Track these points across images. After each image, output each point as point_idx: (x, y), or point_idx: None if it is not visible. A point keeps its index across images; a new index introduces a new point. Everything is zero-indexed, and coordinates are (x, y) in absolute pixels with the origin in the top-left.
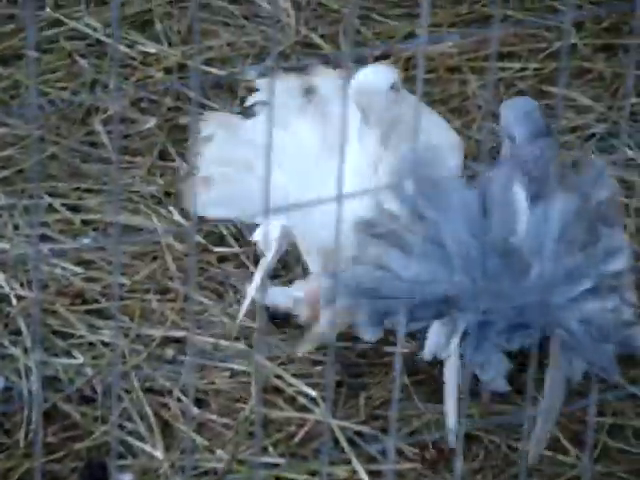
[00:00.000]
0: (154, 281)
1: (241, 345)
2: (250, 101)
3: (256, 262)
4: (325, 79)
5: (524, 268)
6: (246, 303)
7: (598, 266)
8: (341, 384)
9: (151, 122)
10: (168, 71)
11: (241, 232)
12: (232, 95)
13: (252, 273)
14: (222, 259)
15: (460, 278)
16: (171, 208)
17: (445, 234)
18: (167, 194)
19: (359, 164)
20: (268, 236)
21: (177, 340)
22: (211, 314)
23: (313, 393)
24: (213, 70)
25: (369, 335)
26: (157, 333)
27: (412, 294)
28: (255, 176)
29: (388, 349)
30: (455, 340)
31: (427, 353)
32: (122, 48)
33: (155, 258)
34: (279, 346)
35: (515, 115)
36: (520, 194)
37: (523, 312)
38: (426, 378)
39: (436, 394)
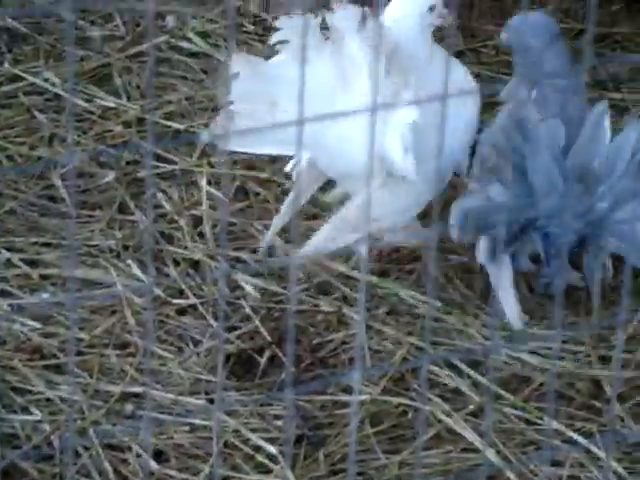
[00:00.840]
0: (113, 335)
1: (200, 400)
2: (273, 40)
3: (215, 313)
4: (341, 15)
5: (595, 189)
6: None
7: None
8: (301, 438)
9: (110, 176)
10: (127, 125)
11: (200, 285)
12: (191, 148)
13: (210, 326)
14: (181, 312)
15: (540, 202)
16: (129, 262)
17: (529, 163)
18: (126, 247)
19: (370, 98)
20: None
21: (136, 395)
22: (170, 368)
23: (273, 450)
24: (172, 124)
25: (485, 258)
26: (116, 388)
27: (503, 219)
28: (279, 111)
29: (346, 399)
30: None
31: (482, 256)
32: (81, 102)
33: (114, 312)
34: (239, 401)
35: (529, 26)
36: (602, 122)
37: (587, 227)
38: (388, 428)
39: (399, 444)
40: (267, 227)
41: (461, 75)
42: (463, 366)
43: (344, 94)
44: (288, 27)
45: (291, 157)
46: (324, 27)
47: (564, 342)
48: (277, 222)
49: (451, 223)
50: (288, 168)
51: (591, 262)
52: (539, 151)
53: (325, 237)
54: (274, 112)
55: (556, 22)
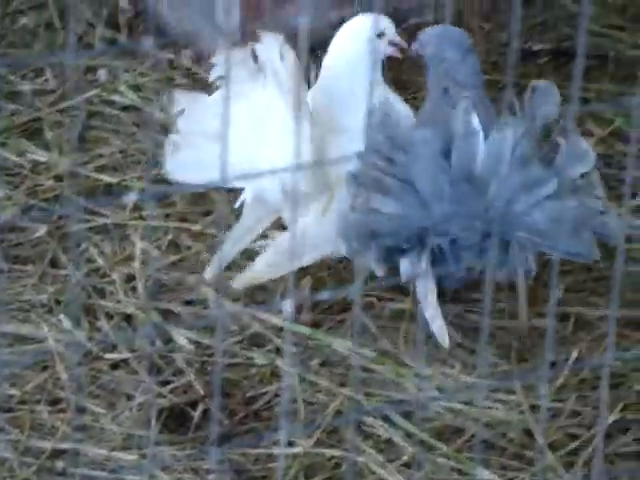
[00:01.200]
0: (44, 391)
1: (133, 456)
2: (211, 77)
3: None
4: (267, 45)
5: (485, 189)
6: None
7: (563, 171)
8: None
9: (41, 230)
10: (58, 179)
11: (132, 339)
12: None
13: (143, 381)
14: (114, 366)
15: (431, 208)
16: (61, 316)
17: (413, 172)
18: (57, 302)
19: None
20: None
21: (68, 452)
22: (103, 424)
23: None
24: (104, 177)
25: (379, 271)
26: (47, 445)
27: (393, 229)
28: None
29: (278, 452)
30: (425, 260)
31: (404, 276)
32: (12, 157)
33: (46, 368)
34: (172, 455)
35: (444, 38)
36: (475, 124)
37: (490, 225)
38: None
39: None
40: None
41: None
42: (396, 417)
43: (272, 125)
44: (224, 62)
45: (239, 190)
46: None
47: (495, 391)
48: (222, 256)
49: (338, 237)
50: (236, 204)
51: (513, 261)
52: (419, 159)
53: (262, 267)
54: (214, 145)
55: (468, 36)
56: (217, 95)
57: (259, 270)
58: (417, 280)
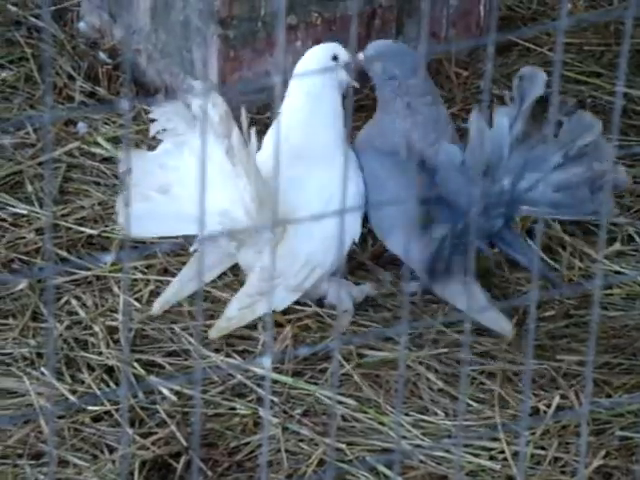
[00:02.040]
0: (27, 445)
1: None
2: (151, 132)
3: (131, 421)
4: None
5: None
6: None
7: (568, 145)
8: None
9: (23, 283)
10: (39, 232)
11: (115, 391)
12: (105, 252)
13: (127, 433)
14: (96, 419)
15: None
16: (43, 369)
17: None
18: (39, 355)
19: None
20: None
21: None
22: (86, 477)
23: None
24: (85, 229)
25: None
26: None
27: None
28: (171, 196)
29: None
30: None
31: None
32: None
33: (28, 421)
34: None
35: (389, 57)
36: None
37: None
38: None
39: None
40: (182, 329)
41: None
42: (379, 466)
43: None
44: (162, 115)
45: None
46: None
47: (478, 438)
48: (168, 294)
49: (419, 275)
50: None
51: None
52: (449, 176)
53: (234, 312)
54: (168, 197)
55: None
56: (159, 149)
57: (232, 316)
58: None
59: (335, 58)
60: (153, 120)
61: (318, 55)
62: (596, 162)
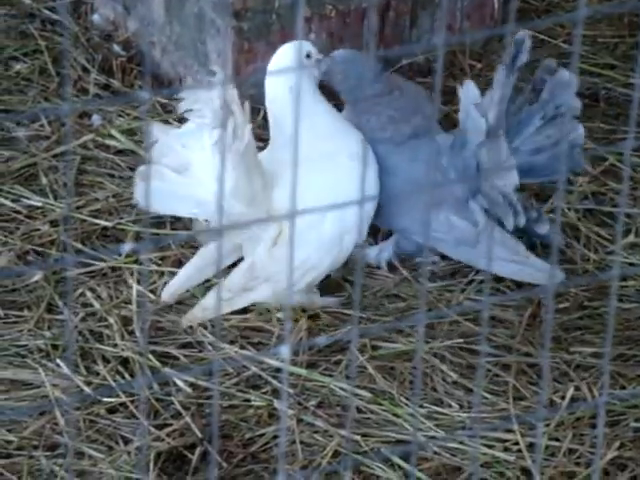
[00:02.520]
0: (42, 437)
1: None
2: (179, 110)
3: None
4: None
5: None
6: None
7: (548, 103)
8: None
9: (38, 275)
10: (54, 224)
11: (130, 383)
12: (121, 243)
13: (141, 425)
14: (112, 410)
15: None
16: (59, 361)
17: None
18: (55, 347)
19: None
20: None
21: None
22: (101, 468)
23: None
24: (99, 221)
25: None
26: None
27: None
28: (190, 175)
29: None
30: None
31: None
32: (7, 202)
33: (43, 413)
34: None
35: (348, 66)
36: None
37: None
38: None
39: None
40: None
41: (352, 141)
42: (394, 458)
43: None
44: (190, 96)
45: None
46: None
47: (493, 430)
48: (179, 281)
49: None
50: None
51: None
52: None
53: (212, 302)
54: (186, 176)
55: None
56: (183, 127)
57: (208, 307)
58: None
59: (308, 56)
60: (181, 100)
61: (292, 53)
62: (569, 124)
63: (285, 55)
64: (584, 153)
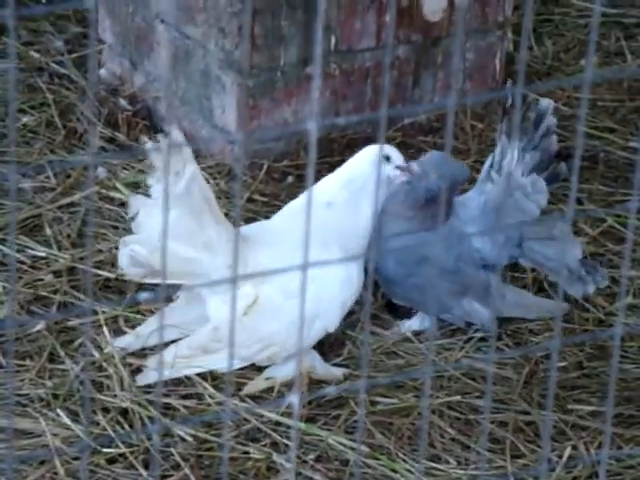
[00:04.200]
0: None
1: None
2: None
3: (145, 463)
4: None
5: None
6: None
7: (530, 136)
8: None
9: (40, 325)
10: (57, 274)
11: (129, 434)
12: (121, 296)
13: (141, 475)
14: (111, 460)
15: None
16: (59, 411)
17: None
18: (55, 397)
19: None
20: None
21: None
22: None
23: None
24: (103, 272)
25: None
26: None
27: None
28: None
29: None
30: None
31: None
32: (12, 252)
33: (43, 462)
34: None
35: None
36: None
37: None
38: None
39: None
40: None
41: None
42: None
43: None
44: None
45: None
46: None
47: None
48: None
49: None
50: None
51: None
52: None
53: (171, 358)
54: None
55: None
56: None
57: (167, 362)
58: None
59: (387, 158)
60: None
61: (370, 153)
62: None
63: (363, 155)
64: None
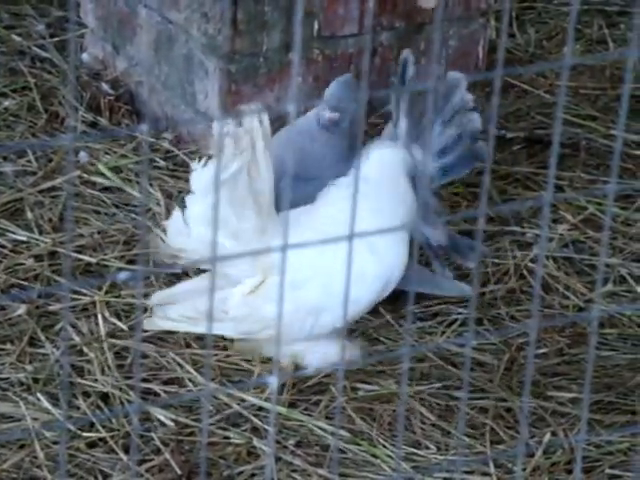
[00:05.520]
0: (21, 470)
1: None
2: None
3: (125, 448)
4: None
5: None
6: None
7: (444, 108)
8: None
9: (21, 309)
10: (39, 258)
11: (110, 418)
12: (102, 281)
13: (121, 460)
14: (91, 445)
15: None
16: (39, 395)
17: None
18: (36, 381)
19: None
20: None
21: None
22: None
23: None
24: (84, 257)
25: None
26: None
27: None
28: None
29: None
30: None
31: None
32: None
33: (23, 446)
34: None
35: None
36: None
37: None
38: None
39: None
40: (180, 357)
41: (388, 241)
42: None
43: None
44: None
45: None
46: None
47: (470, 473)
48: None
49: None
50: None
51: None
52: None
53: (176, 316)
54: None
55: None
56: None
57: (171, 318)
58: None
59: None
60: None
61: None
62: (464, 117)
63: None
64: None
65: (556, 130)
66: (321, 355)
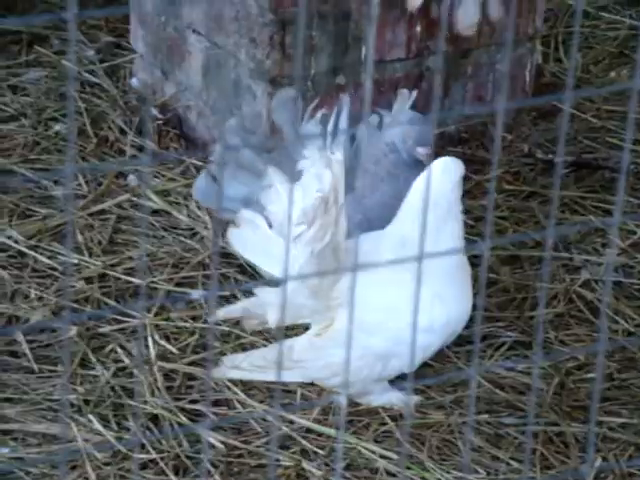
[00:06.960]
0: None
1: None
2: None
3: (175, 469)
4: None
5: None
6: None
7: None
8: None
9: (72, 331)
10: (89, 280)
11: (159, 439)
12: (151, 304)
13: None
14: (143, 466)
15: None
16: (90, 416)
17: None
18: (86, 402)
19: None
20: None
21: None
22: None
23: None
24: (133, 279)
25: None
26: None
27: None
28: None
29: None
30: None
31: None
32: (43, 259)
33: (74, 467)
34: None
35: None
36: None
37: None
38: None
39: None
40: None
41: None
42: None
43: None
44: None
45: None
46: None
47: None
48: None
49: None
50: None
51: None
52: None
53: (247, 365)
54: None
55: None
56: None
57: (244, 367)
58: None
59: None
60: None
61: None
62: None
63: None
64: None
65: (624, 157)
66: (386, 399)
